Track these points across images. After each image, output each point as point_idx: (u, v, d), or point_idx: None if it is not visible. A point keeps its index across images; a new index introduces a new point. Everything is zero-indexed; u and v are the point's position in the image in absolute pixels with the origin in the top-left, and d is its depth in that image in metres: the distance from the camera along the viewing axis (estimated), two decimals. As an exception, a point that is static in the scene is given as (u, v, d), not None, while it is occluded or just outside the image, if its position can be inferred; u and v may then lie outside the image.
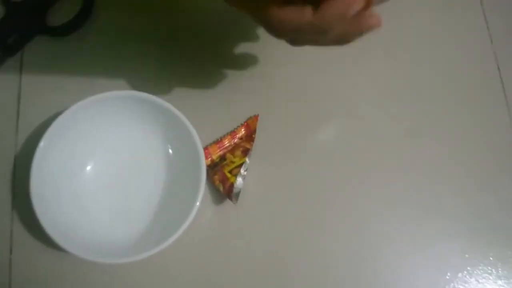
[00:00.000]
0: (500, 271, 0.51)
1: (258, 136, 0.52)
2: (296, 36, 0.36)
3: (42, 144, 0.46)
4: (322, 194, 0.52)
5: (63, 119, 0.47)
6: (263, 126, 0.53)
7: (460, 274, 0.50)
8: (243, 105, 0.53)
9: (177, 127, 0.48)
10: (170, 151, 0.51)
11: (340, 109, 0.55)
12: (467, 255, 0.51)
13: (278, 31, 0.34)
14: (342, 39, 0.35)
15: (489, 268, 0.51)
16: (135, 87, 0.53)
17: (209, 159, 0.52)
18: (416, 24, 0.58)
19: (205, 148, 0.51)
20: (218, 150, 0.52)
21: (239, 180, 0.50)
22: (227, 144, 0.52)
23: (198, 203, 0.46)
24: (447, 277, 0.50)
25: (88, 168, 0.51)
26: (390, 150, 0.54)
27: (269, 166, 0.52)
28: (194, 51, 0.55)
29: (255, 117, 0.53)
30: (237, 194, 0.49)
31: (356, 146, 0.54)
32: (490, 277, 0.50)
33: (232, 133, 0.53)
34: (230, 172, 0.50)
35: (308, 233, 0.51)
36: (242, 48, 0.55)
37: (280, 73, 0.55)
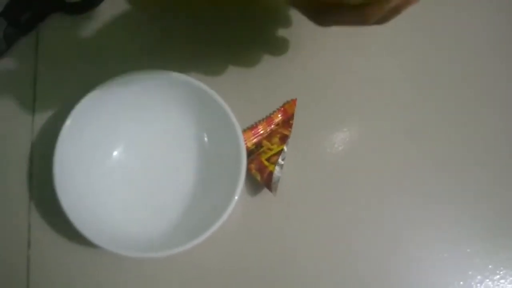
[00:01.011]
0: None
1: (296, 122, 0.49)
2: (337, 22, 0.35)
3: (68, 123, 0.42)
4: (364, 187, 0.49)
5: (91, 98, 0.43)
6: (301, 111, 0.49)
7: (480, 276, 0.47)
8: (279, 89, 0.50)
9: (213, 111, 0.45)
10: (206, 138, 0.47)
11: (383, 93, 0.51)
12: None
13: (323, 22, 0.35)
14: (383, 19, 0.34)
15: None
16: (159, 69, 0.49)
17: (243, 146, 0.47)
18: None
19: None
20: (253, 137, 0.48)
21: (277, 169, 0.46)
22: (262, 131, 0.48)
23: (236, 197, 0.42)
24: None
25: (115, 154, 0.46)
26: (431, 147, 0.51)
27: (308, 154, 0.49)
28: (227, 30, 0.51)
29: (293, 101, 0.49)
30: (276, 183, 0.46)
31: (402, 139, 0.50)
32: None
33: (268, 118, 0.49)
34: (267, 160, 0.46)
35: (347, 227, 0.48)
36: (278, 28, 0.51)
37: (319, 54, 0.51)
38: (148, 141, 0.47)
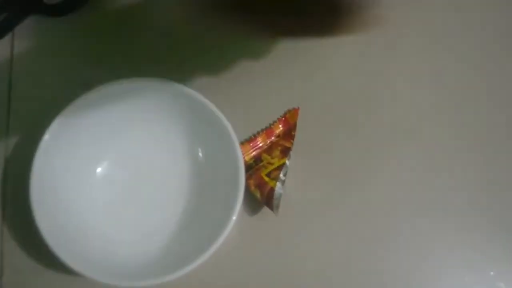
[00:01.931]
0: None
1: (298, 133, 0.44)
2: None
3: (46, 137, 0.38)
4: (375, 203, 0.44)
5: (73, 109, 0.38)
6: (304, 121, 0.45)
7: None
8: (280, 97, 0.45)
9: (208, 122, 0.40)
10: (200, 153, 0.43)
11: (392, 101, 0.47)
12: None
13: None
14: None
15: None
16: (147, 76, 0.43)
17: (241, 160, 0.43)
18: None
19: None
20: (251, 150, 0.44)
21: (278, 186, 0.42)
22: (261, 144, 0.44)
23: (234, 218, 0.38)
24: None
25: (99, 170, 0.42)
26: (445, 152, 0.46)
27: (312, 168, 0.44)
28: (218, 35, 0.46)
29: (295, 110, 0.45)
30: (278, 201, 0.41)
31: (414, 150, 0.46)
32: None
33: (268, 130, 0.44)
34: (268, 175, 0.42)
35: (356, 249, 0.43)
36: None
37: (323, 60, 0.47)
38: (136, 156, 0.42)
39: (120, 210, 0.41)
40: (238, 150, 0.40)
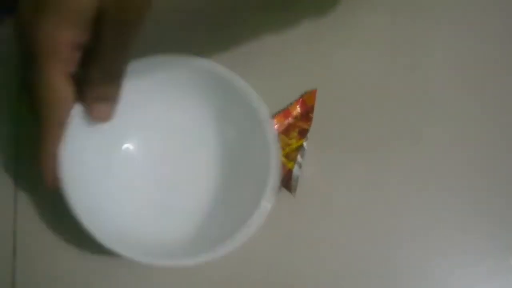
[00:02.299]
0: None
1: (316, 116, 0.44)
2: None
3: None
4: (398, 188, 0.44)
5: None
6: (322, 104, 0.44)
7: None
8: (297, 77, 0.45)
9: (239, 102, 0.39)
10: (229, 133, 0.41)
11: (420, 84, 0.46)
12: None
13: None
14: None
15: None
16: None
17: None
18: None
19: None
20: (268, 132, 0.43)
21: (296, 168, 0.41)
22: (277, 125, 0.43)
23: (265, 203, 0.36)
24: None
25: (124, 147, 0.40)
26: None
27: (330, 153, 0.44)
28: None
29: (313, 92, 0.44)
30: (296, 183, 0.41)
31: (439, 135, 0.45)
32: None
33: (285, 111, 0.44)
34: (286, 156, 0.41)
35: (376, 233, 0.43)
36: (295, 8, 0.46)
37: (342, 40, 0.47)
38: (164, 135, 0.41)
39: (145, 189, 0.40)
40: (272, 134, 0.38)
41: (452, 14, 0.49)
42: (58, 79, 0.30)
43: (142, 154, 0.40)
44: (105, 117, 0.35)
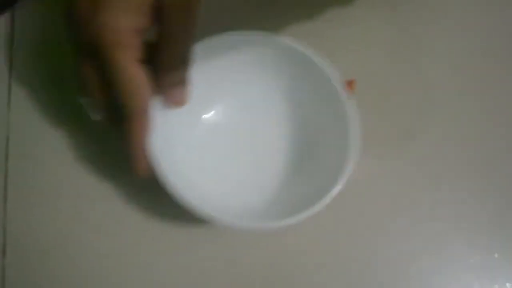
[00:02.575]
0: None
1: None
2: None
3: None
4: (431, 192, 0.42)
5: None
6: (361, 95, 0.41)
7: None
8: (334, 66, 0.41)
9: (313, 72, 0.38)
10: (310, 114, 0.41)
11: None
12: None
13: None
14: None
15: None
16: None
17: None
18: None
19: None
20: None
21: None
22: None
23: (339, 186, 0.35)
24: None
25: (204, 117, 0.41)
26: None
27: (373, 151, 0.40)
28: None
29: (351, 81, 0.41)
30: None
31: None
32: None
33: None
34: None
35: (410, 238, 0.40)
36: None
37: (384, 25, 0.45)
38: (240, 108, 0.42)
39: (227, 157, 0.41)
40: (349, 114, 0.37)
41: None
42: (132, 66, 0.29)
43: (221, 126, 0.41)
44: (181, 101, 0.35)
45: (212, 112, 0.42)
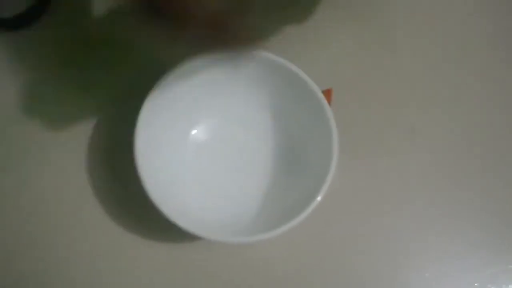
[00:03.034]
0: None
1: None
2: None
3: (147, 104, 0.37)
4: (410, 186, 0.43)
5: (168, 80, 0.38)
6: (337, 105, 0.41)
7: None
8: (311, 76, 0.42)
9: (302, 97, 0.40)
10: (293, 127, 0.42)
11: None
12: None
13: None
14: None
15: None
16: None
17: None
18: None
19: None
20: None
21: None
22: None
23: (319, 198, 0.36)
24: None
25: (193, 133, 0.42)
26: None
27: (349, 158, 0.41)
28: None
29: (328, 91, 0.41)
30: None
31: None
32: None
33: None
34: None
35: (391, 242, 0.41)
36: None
37: (361, 36, 0.45)
38: (227, 122, 0.43)
39: (212, 171, 0.41)
40: (333, 124, 0.38)
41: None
42: None
43: (208, 142, 0.42)
44: (249, 42, 0.33)
45: (199, 128, 0.42)
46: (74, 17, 0.44)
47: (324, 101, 0.39)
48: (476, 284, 0.41)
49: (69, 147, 0.41)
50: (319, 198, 0.36)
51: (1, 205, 0.39)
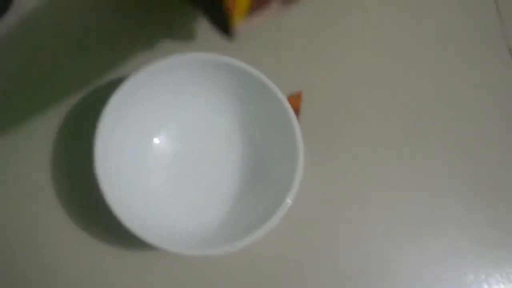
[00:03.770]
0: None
1: (302, 120, 0.40)
2: None
3: (108, 109, 0.36)
4: (381, 192, 0.42)
5: (129, 85, 0.36)
6: (308, 108, 0.41)
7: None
8: (282, 80, 0.41)
9: (265, 101, 0.39)
10: (256, 131, 0.41)
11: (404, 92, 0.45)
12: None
13: None
14: None
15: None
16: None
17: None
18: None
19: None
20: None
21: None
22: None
23: (289, 200, 0.36)
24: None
25: (155, 142, 0.40)
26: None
27: (320, 158, 0.40)
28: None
29: (298, 95, 0.41)
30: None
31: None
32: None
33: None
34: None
35: (365, 237, 0.41)
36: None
37: (328, 39, 0.44)
38: (191, 131, 0.41)
39: (176, 181, 0.40)
40: (298, 130, 0.37)
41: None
42: None
43: (171, 149, 0.41)
44: None
45: (162, 136, 0.41)
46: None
47: (290, 109, 0.38)
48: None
49: (29, 150, 0.40)
50: (281, 211, 0.35)
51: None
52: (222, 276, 0.39)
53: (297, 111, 0.40)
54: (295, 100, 0.40)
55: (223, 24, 0.31)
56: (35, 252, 0.38)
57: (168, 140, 0.41)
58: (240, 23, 0.31)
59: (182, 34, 0.44)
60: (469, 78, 0.47)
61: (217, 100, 0.41)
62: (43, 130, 0.40)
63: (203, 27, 0.43)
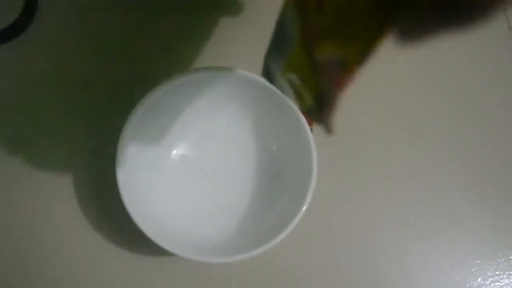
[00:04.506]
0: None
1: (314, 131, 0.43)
2: None
3: (130, 123, 0.38)
4: (391, 198, 0.45)
5: (149, 101, 0.39)
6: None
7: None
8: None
9: (281, 114, 0.41)
10: (274, 146, 0.44)
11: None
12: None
13: None
14: None
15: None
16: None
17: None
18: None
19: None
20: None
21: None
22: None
23: (304, 208, 0.39)
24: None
25: (174, 152, 0.43)
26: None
27: (328, 165, 0.44)
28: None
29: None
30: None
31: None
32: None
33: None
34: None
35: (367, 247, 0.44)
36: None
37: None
38: (210, 140, 0.44)
39: (193, 192, 0.43)
40: (312, 141, 0.39)
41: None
42: None
43: (190, 161, 0.43)
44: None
45: (181, 147, 0.43)
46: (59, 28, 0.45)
47: (305, 122, 0.40)
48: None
49: (52, 160, 0.43)
50: (296, 219, 0.38)
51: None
52: (235, 281, 0.42)
53: (310, 124, 0.43)
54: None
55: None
56: (54, 257, 0.41)
57: (187, 150, 0.43)
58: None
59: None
60: (471, 78, 0.49)
61: (236, 113, 0.43)
62: (68, 140, 0.43)
63: (219, 42, 0.46)
